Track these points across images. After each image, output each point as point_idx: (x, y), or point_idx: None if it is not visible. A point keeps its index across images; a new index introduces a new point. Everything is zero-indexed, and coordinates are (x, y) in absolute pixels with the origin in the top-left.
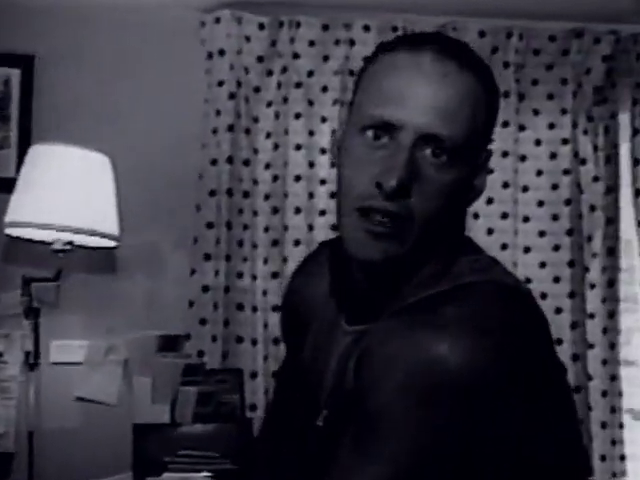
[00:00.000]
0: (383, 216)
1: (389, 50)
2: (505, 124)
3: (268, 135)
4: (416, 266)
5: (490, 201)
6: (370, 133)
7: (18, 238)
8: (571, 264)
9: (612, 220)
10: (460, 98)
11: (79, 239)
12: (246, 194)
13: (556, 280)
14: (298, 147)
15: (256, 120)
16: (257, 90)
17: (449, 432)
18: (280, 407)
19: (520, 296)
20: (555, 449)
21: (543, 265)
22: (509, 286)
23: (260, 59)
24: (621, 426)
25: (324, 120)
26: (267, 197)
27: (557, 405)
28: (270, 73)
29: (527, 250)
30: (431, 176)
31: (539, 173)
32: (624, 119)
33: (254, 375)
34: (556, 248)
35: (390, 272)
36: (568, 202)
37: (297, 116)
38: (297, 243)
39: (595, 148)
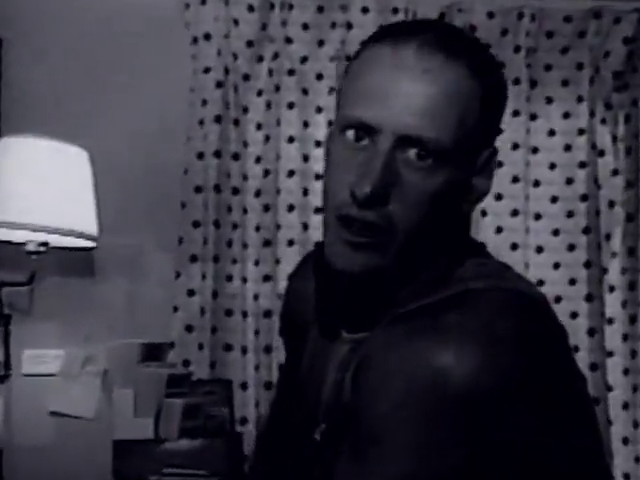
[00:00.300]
0: (360, 226)
1: (375, 42)
2: (516, 113)
3: (259, 126)
4: (407, 275)
5: (499, 197)
6: (351, 134)
7: None
8: (588, 265)
9: (632, 217)
10: (445, 95)
11: (54, 240)
12: (235, 190)
13: (571, 282)
14: (291, 139)
15: (246, 110)
16: (246, 78)
17: (452, 448)
18: (278, 419)
19: (532, 303)
20: (571, 457)
21: (557, 266)
22: (519, 292)
23: (250, 44)
24: None
25: (319, 110)
26: (258, 193)
27: (575, 415)
28: (260, 59)
29: (540, 250)
30: (414, 181)
31: (552, 166)
32: None
33: (244, 386)
34: (571, 248)
35: (373, 284)
36: (584, 198)
37: (290, 106)
38: (291, 243)
39: (614, 139)
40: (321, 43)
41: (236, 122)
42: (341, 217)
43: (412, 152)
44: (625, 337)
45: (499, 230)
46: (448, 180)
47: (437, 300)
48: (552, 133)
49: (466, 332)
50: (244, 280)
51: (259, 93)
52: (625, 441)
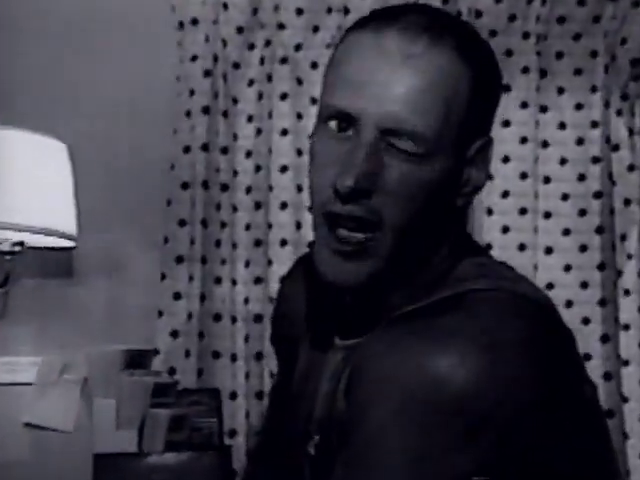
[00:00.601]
0: (347, 222)
1: (358, 28)
2: (524, 105)
3: (249, 119)
4: (401, 276)
5: (506, 194)
6: (333, 125)
7: None
8: (601, 267)
9: None
10: (429, 81)
11: (30, 239)
12: (224, 187)
13: (584, 286)
14: (284, 132)
15: (235, 101)
16: (236, 66)
17: (451, 456)
18: (270, 432)
19: (536, 305)
20: (579, 468)
21: (568, 268)
22: (522, 293)
23: (240, 30)
24: None
25: (314, 101)
26: (248, 190)
27: (583, 425)
28: (251, 47)
29: (549, 251)
30: (400, 173)
31: (564, 162)
32: None
33: (234, 396)
34: (583, 248)
35: (366, 292)
36: (598, 195)
37: (283, 96)
38: (283, 243)
39: (631, 132)
40: (316, 29)
41: (225, 114)
42: (326, 214)
43: (397, 142)
44: None
45: (506, 230)
46: (436, 171)
47: (434, 302)
48: (563, 126)
49: (465, 335)
50: (234, 282)
51: (250, 83)
52: None
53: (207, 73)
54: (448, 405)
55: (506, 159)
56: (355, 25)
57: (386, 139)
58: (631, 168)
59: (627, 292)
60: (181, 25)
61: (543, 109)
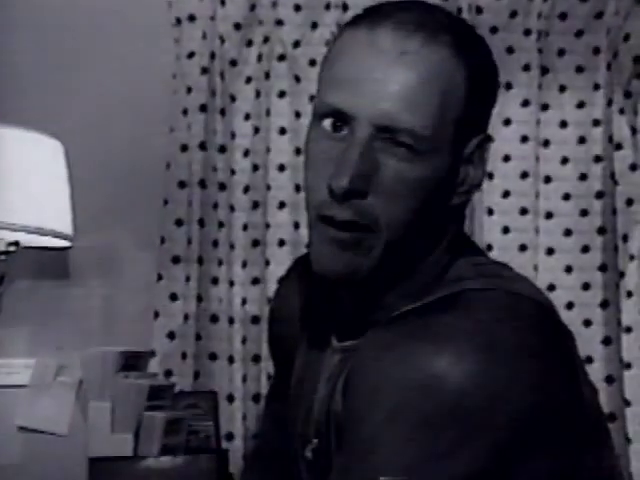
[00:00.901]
0: (342, 226)
1: (352, 25)
2: (525, 103)
3: (247, 117)
4: (396, 275)
5: (506, 194)
6: (328, 124)
7: None
8: (603, 268)
9: None
10: (424, 78)
11: (25, 239)
12: (222, 186)
13: (585, 287)
14: (282, 131)
15: (233, 99)
16: (234, 63)
17: (450, 456)
18: (268, 436)
19: (534, 305)
20: (575, 465)
21: (569, 269)
22: (519, 294)
23: (237, 27)
24: None
25: (312, 99)
26: (246, 189)
27: (583, 427)
28: (249, 43)
29: (550, 252)
30: (395, 171)
31: (565, 161)
32: None
33: (231, 398)
34: (585, 249)
35: (359, 285)
36: (600, 195)
37: (281, 94)
38: (281, 243)
39: (633, 130)
40: (315, 26)
41: (223, 112)
42: (322, 217)
43: (392, 140)
44: None
45: (506, 230)
46: (432, 169)
47: (430, 302)
48: (565, 124)
49: (462, 335)
50: (231, 283)
51: (248, 80)
52: None
53: (204, 70)
54: (444, 408)
55: (507, 158)
56: (350, 22)
57: (381, 137)
58: (633, 167)
59: (629, 294)
60: (178, 21)
61: (544, 107)
